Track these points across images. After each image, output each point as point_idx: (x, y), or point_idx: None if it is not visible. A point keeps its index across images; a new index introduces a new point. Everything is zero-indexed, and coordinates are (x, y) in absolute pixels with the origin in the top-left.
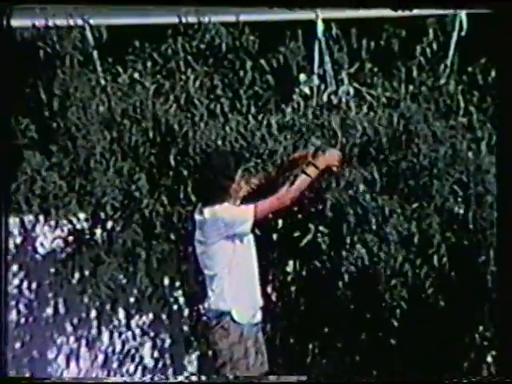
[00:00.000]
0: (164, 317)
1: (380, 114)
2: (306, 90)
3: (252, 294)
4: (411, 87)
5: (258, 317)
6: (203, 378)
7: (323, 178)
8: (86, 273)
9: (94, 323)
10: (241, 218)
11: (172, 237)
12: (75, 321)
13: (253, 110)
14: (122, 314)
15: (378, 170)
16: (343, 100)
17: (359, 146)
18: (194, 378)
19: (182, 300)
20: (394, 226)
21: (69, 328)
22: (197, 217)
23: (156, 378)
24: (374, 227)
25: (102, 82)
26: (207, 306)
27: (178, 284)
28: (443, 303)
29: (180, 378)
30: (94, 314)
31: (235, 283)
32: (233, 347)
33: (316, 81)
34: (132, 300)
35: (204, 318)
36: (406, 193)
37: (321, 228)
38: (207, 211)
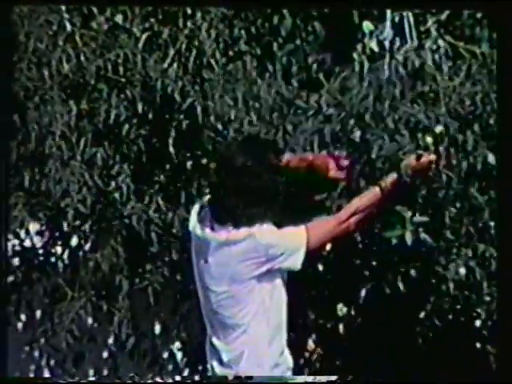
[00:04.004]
0: (151, 381)
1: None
2: (373, 45)
3: (280, 354)
4: None
5: None
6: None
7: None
8: (38, 314)
9: None
10: (292, 244)
11: (172, 258)
12: None
13: (294, 72)
14: (90, 374)
15: None
16: (429, 61)
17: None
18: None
19: (179, 356)
20: None
21: None
22: (214, 235)
23: None
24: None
25: (68, 26)
26: (210, 370)
27: (174, 333)
28: None
29: None
30: (46, 375)
31: (259, 339)
32: None
33: (389, 31)
34: (105, 355)
35: None
36: None
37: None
38: (243, 231)
